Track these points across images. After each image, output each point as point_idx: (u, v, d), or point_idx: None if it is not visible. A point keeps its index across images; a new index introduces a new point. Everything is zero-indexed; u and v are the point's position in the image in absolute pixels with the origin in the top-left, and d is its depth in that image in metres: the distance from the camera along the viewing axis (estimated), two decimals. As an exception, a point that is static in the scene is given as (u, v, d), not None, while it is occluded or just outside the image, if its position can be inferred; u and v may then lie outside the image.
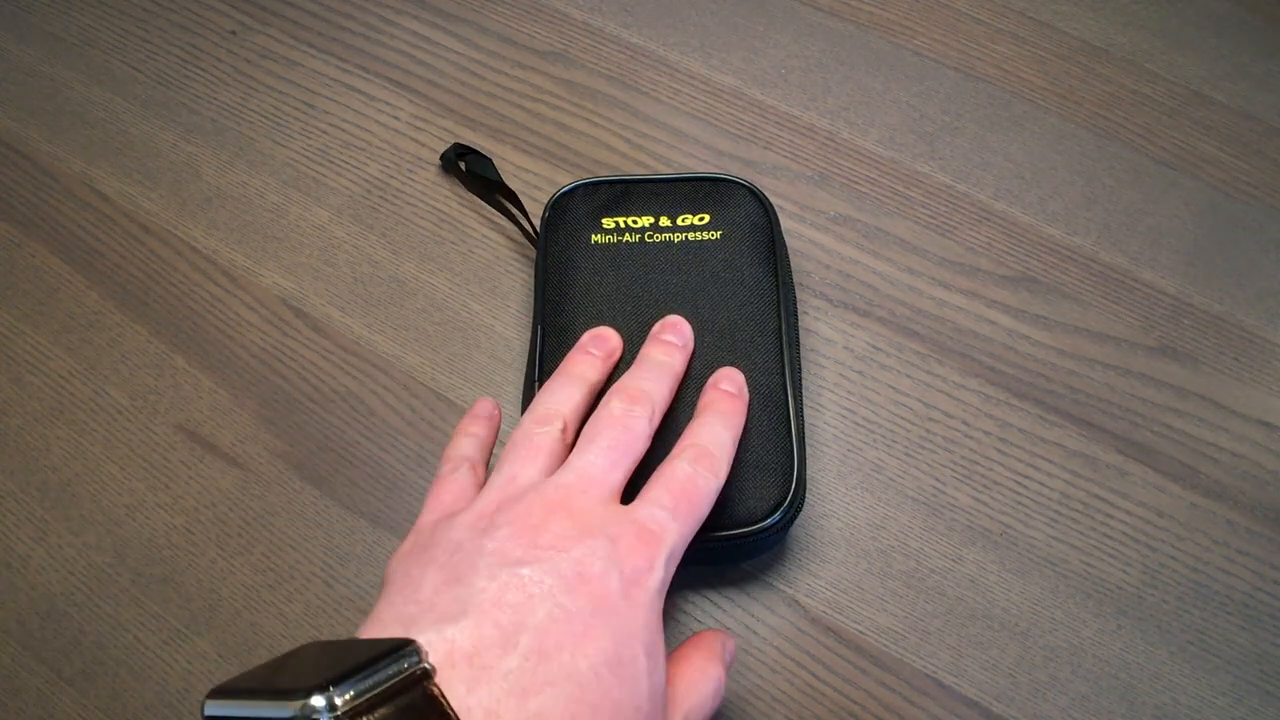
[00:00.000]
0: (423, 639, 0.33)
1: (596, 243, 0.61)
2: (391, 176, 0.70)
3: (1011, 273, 0.66)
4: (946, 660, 0.55)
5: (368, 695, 0.29)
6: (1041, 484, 0.59)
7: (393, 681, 0.30)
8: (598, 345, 0.53)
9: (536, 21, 0.77)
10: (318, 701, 0.28)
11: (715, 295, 0.58)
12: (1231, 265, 0.66)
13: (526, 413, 0.47)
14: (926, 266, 0.66)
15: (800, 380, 0.57)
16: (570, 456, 0.44)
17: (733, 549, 0.53)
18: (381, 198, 0.70)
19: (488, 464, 0.51)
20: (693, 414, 0.55)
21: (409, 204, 0.69)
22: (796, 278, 0.66)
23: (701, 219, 0.61)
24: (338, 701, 0.28)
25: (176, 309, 0.66)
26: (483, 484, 0.48)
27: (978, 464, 0.60)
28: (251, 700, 0.30)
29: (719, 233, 0.60)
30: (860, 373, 0.63)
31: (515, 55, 0.76)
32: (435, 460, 0.60)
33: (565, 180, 0.70)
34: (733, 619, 0.56)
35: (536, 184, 0.70)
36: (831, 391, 0.62)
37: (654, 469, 0.55)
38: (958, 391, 0.62)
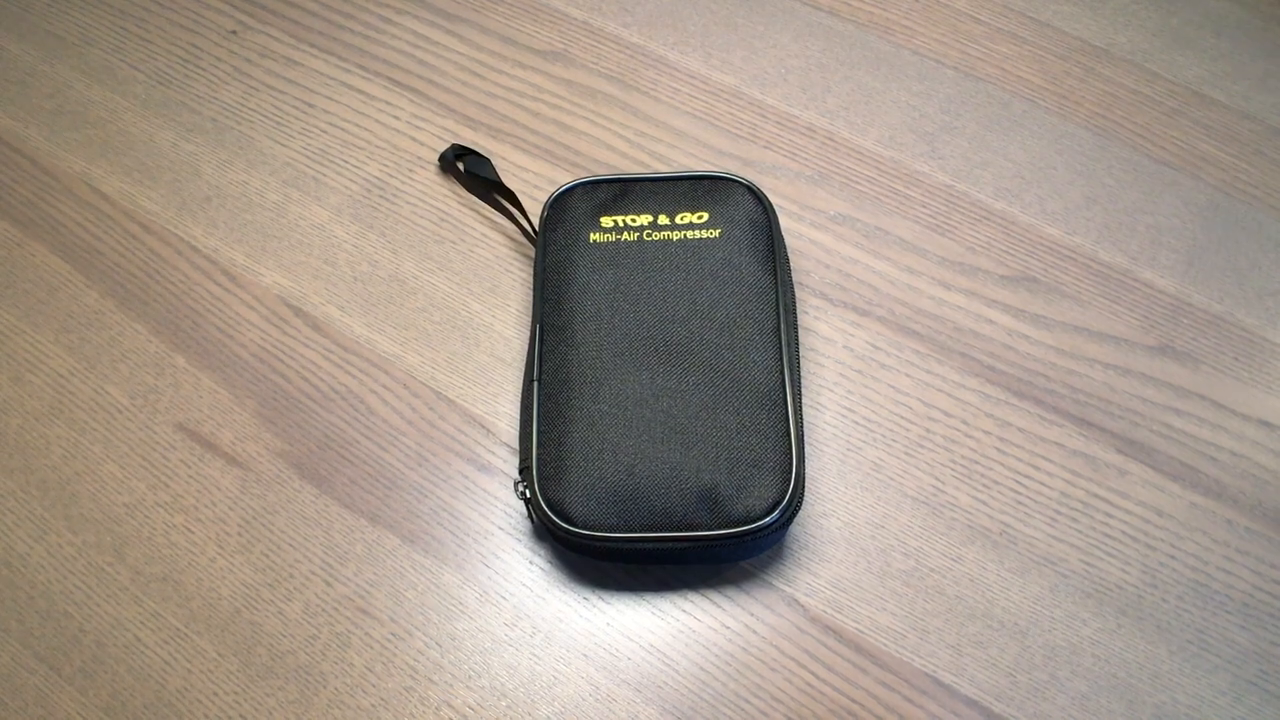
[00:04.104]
0: None
1: (595, 241, 0.61)
2: (391, 175, 0.71)
3: (1011, 272, 0.66)
4: (946, 659, 0.55)
5: None
6: (1041, 483, 0.59)
7: None
8: None
9: (536, 21, 0.77)
10: None
11: (714, 293, 0.58)
12: (1231, 265, 0.66)
13: None
14: (926, 266, 0.66)
15: (799, 379, 0.57)
16: None
17: (732, 548, 0.53)
18: (381, 197, 0.70)
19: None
20: (696, 411, 0.56)
21: (409, 203, 0.69)
22: (796, 277, 0.66)
23: (700, 217, 0.61)
24: None
25: (176, 308, 0.66)
26: None
27: (977, 463, 0.60)
28: None
29: (718, 231, 0.60)
30: (860, 372, 0.63)
31: (515, 55, 0.76)
32: (435, 459, 0.60)
33: (564, 179, 0.70)
34: (732, 618, 0.56)
35: (536, 183, 0.70)
36: (831, 390, 0.62)
37: (656, 459, 0.55)
38: (957, 391, 0.62)
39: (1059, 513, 0.58)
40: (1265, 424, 0.61)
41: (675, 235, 0.60)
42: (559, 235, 0.62)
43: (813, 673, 0.54)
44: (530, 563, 0.58)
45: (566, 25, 0.77)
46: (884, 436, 0.61)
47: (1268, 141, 0.71)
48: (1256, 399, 0.62)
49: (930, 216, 0.68)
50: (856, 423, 0.61)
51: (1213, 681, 0.54)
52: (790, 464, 0.53)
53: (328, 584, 0.57)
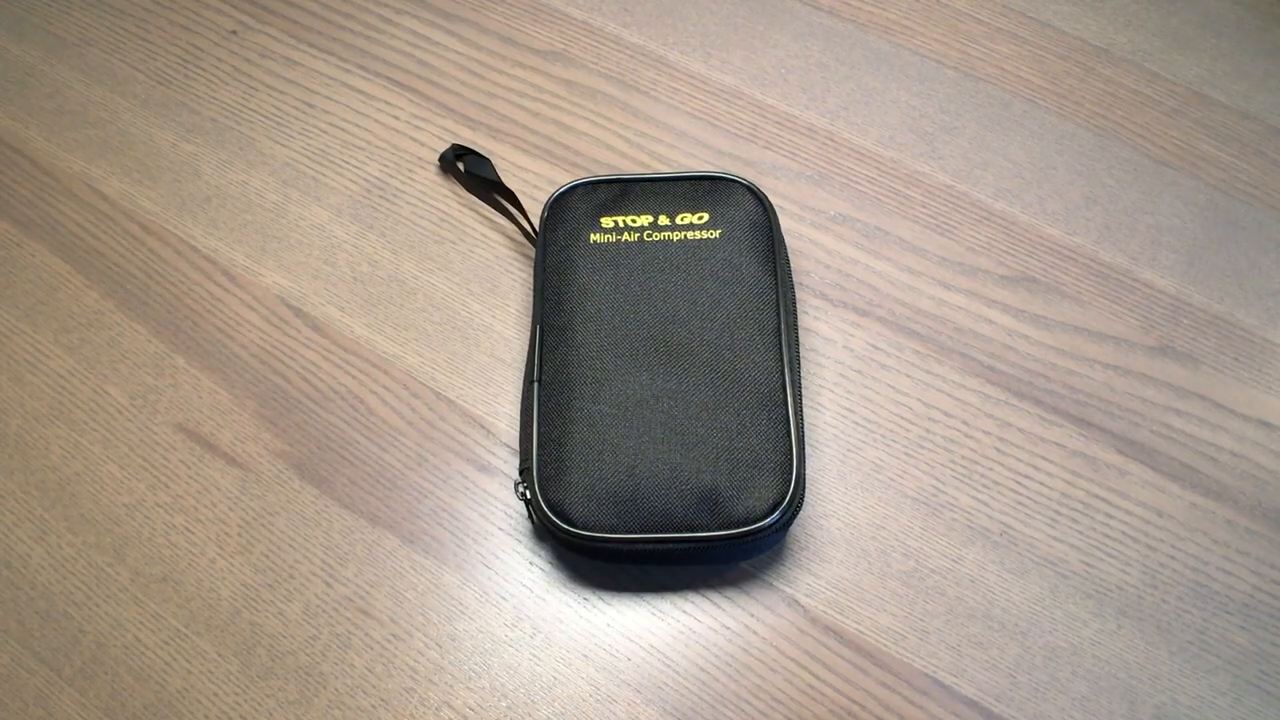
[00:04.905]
0: None
1: (595, 242, 0.61)
2: (391, 176, 0.70)
3: (1011, 272, 0.66)
4: (946, 660, 0.55)
5: None
6: (1041, 484, 0.59)
7: None
8: None
9: (536, 21, 0.77)
10: None
11: (714, 294, 0.58)
12: (1231, 265, 0.66)
13: None
14: (926, 266, 0.66)
15: (799, 379, 0.57)
16: None
17: (732, 548, 0.53)
18: (381, 197, 0.70)
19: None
20: (696, 412, 0.56)
21: (409, 203, 0.69)
22: (796, 277, 0.66)
23: (700, 218, 0.61)
24: None
25: (176, 308, 0.66)
26: None
27: (977, 464, 0.60)
28: None
29: (718, 231, 0.60)
30: (860, 372, 0.63)
31: (515, 55, 0.76)
32: (435, 460, 0.60)
33: (564, 179, 0.70)
34: (732, 619, 0.56)
35: (536, 183, 0.70)
36: (831, 391, 0.62)
37: (656, 460, 0.55)
38: (957, 391, 0.62)
39: (1059, 513, 0.58)
40: (1265, 424, 0.61)
41: (675, 236, 0.60)
42: (559, 236, 0.62)
43: (813, 673, 0.54)
44: (530, 563, 0.58)
45: (566, 25, 0.77)
46: (884, 437, 0.60)
47: (1268, 141, 0.71)
48: (1256, 399, 0.62)
49: (930, 217, 0.68)
50: (856, 423, 0.61)
51: (1213, 682, 0.54)
52: (790, 465, 0.53)
53: (328, 585, 0.57)
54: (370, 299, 0.66)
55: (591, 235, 0.61)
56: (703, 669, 0.54)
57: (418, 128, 0.72)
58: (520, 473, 0.56)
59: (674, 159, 0.70)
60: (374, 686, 0.54)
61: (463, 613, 0.56)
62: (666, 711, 0.53)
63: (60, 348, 0.65)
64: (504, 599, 0.57)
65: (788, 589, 0.57)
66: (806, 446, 0.60)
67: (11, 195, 0.70)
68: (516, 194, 0.68)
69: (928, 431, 0.61)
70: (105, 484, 0.60)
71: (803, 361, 0.63)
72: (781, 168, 0.70)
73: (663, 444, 0.54)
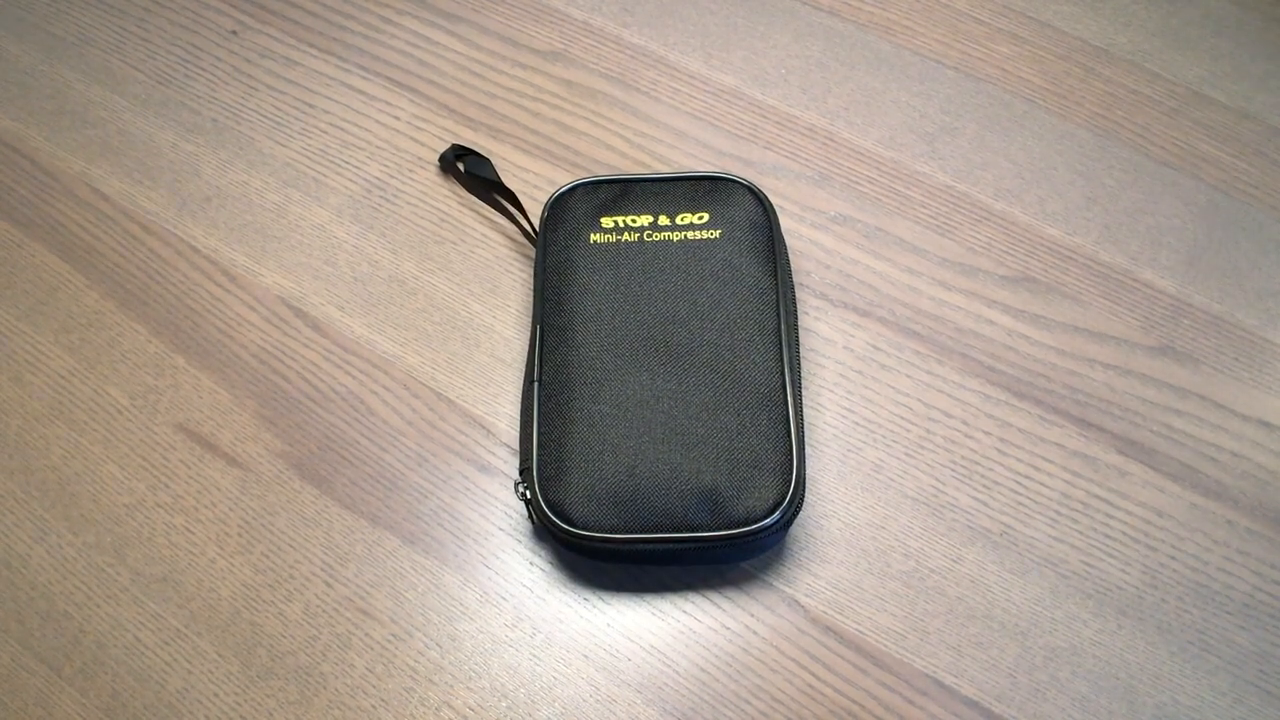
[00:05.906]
0: None
1: (596, 242, 0.61)
2: (392, 176, 0.70)
3: (1011, 273, 0.66)
4: (946, 660, 0.55)
5: None
6: (1041, 484, 0.59)
7: None
8: None
9: (537, 21, 0.77)
10: None
11: (714, 294, 0.58)
12: (1231, 265, 0.66)
13: None
14: (926, 266, 0.66)
15: (800, 380, 0.57)
16: None
17: (732, 549, 0.53)
18: (382, 197, 0.70)
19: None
20: (696, 412, 0.56)
21: (409, 203, 0.69)
22: (796, 277, 0.66)
23: (701, 218, 0.61)
24: None
25: (176, 308, 0.66)
26: None
27: (978, 464, 0.60)
28: None
29: (718, 232, 0.60)
30: (860, 372, 0.63)
31: (515, 55, 0.76)
32: (436, 460, 0.60)
33: (564, 179, 0.70)
34: (732, 619, 0.56)
35: (536, 183, 0.70)
36: (831, 391, 0.62)
37: (657, 460, 0.55)
38: (958, 391, 0.62)
39: (1059, 513, 0.58)
40: (1265, 424, 0.61)
41: (676, 236, 0.60)
42: (559, 236, 0.62)
43: (813, 674, 0.54)
44: (531, 564, 0.58)
45: (566, 25, 0.77)
46: (884, 437, 0.61)
47: (1268, 141, 0.71)
48: (1257, 399, 0.62)
49: (931, 217, 0.68)
50: (857, 423, 0.61)
51: (1213, 682, 0.54)
52: (790, 465, 0.53)
53: (328, 585, 0.57)
54: (370, 299, 0.66)
55: (591, 235, 0.61)
56: (703, 669, 0.54)
57: (418, 128, 0.72)
58: (520, 473, 0.56)
59: (674, 159, 0.71)
60: (374, 687, 0.54)
61: (463, 613, 0.56)
62: (666, 711, 0.53)
63: (60, 348, 0.65)
64: (504, 599, 0.57)
65: (788, 589, 0.57)
66: (806, 446, 0.60)
67: (11, 195, 0.70)
68: (516, 194, 0.68)
69: (928, 432, 0.61)
70: (105, 484, 0.60)
71: (803, 361, 0.63)
72: (782, 168, 0.70)
73: (663, 444, 0.54)
